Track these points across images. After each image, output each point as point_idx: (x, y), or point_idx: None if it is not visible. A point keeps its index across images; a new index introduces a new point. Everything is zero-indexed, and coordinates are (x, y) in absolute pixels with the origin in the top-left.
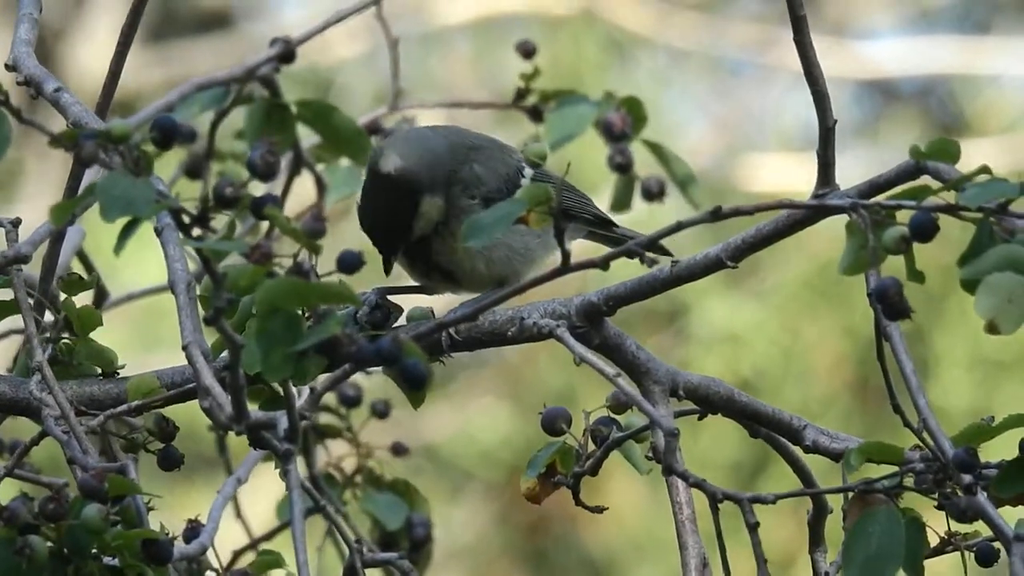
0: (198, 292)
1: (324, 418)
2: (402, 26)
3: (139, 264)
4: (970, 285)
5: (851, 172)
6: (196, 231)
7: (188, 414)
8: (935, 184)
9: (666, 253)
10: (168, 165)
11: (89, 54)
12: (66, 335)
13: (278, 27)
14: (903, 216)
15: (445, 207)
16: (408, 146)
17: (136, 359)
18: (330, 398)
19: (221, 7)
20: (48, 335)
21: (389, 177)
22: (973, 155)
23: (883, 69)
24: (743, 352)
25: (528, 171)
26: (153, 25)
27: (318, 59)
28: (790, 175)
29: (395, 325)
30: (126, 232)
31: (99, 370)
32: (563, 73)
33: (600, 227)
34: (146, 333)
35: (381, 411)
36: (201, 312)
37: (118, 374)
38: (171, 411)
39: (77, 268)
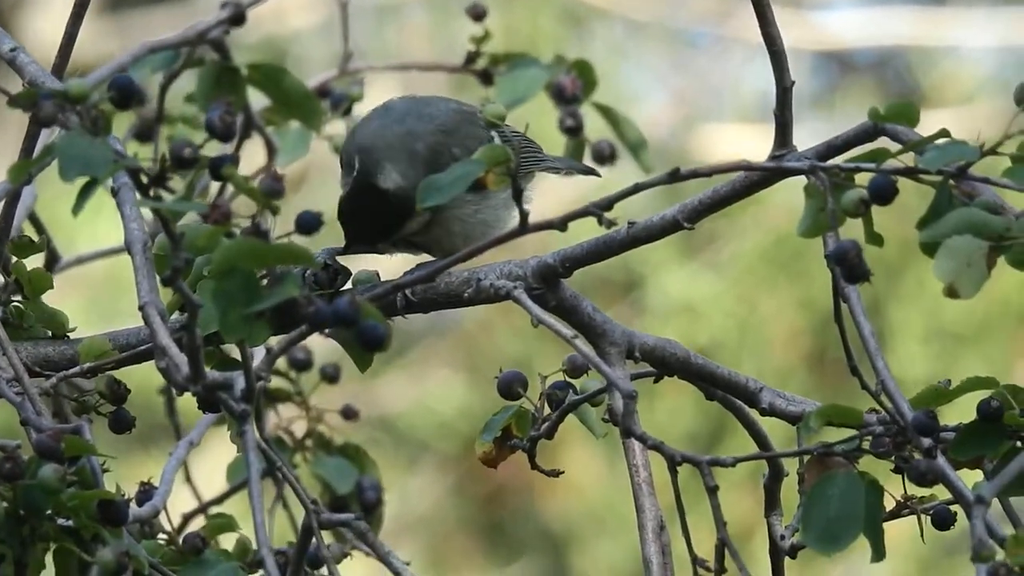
0: (154, 252)
1: (274, 382)
2: None
3: (91, 229)
4: (929, 248)
5: (808, 143)
6: (153, 191)
7: (142, 378)
8: (894, 147)
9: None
10: (117, 129)
11: (45, 23)
12: (17, 298)
13: None
14: (862, 179)
15: (425, 222)
16: (398, 153)
17: (94, 328)
18: (281, 362)
19: None
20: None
21: (386, 194)
22: (931, 126)
23: (840, 40)
24: (699, 323)
25: (496, 139)
26: None
27: (274, 29)
28: (748, 146)
29: (342, 288)
30: (84, 192)
31: (50, 333)
32: (519, 44)
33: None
34: (103, 303)
35: (331, 375)
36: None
37: (69, 337)
38: (125, 375)
39: (29, 231)
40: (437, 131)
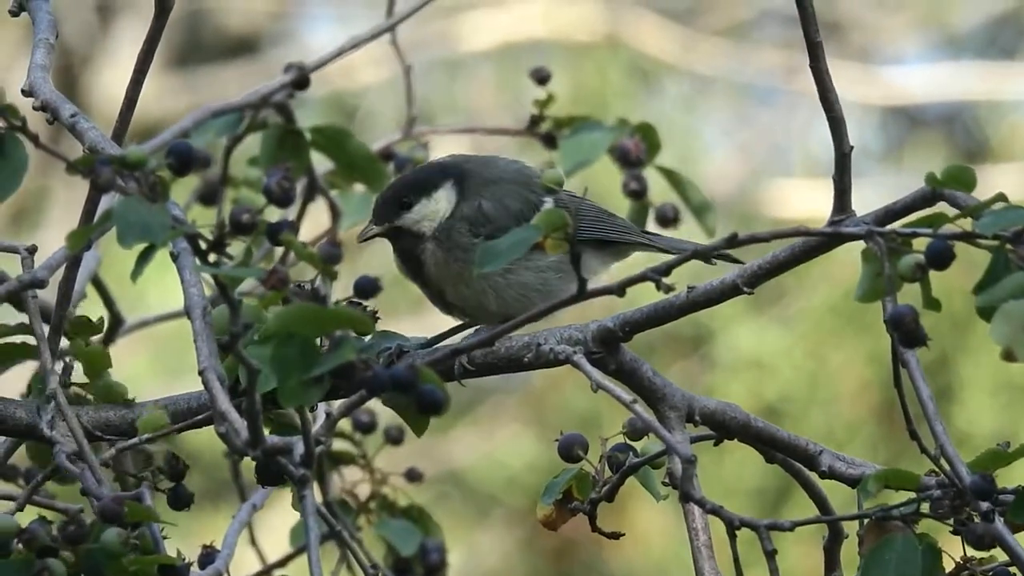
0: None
1: (338, 444)
2: (427, 53)
3: (160, 287)
4: (986, 313)
5: (875, 199)
6: (212, 257)
7: (210, 436)
8: (951, 211)
9: (736, 261)
10: (182, 192)
11: (114, 80)
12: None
13: (304, 53)
14: (920, 244)
15: (442, 252)
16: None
17: (161, 383)
18: (344, 424)
19: (247, 33)
20: (60, 370)
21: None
22: (998, 181)
23: (909, 95)
24: (768, 378)
25: (548, 203)
26: (179, 51)
27: (343, 85)
28: (815, 200)
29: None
30: (143, 258)
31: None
32: (588, 100)
33: (636, 245)
34: (169, 359)
35: (395, 437)
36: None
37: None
38: (193, 433)
39: (92, 294)
40: (483, 177)
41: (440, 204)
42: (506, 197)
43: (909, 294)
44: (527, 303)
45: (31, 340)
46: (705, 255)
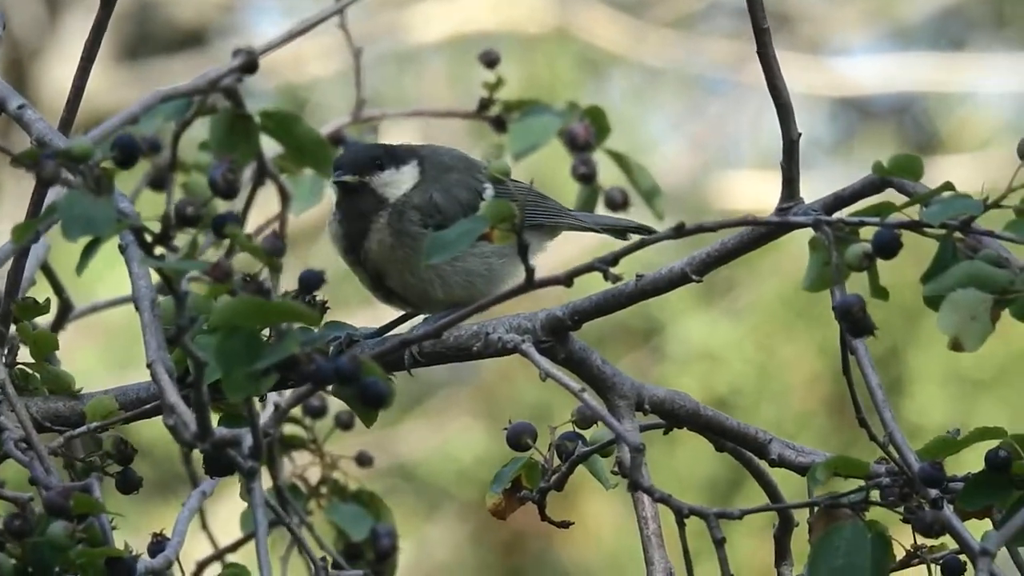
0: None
1: (289, 429)
2: (377, 45)
3: (112, 277)
4: (934, 302)
5: (825, 190)
6: (158, 249)
7: (160, 426)
8: (899, 200)
9: (648, 231)
10: (133, 176)
11: (63, 73)
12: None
13: (253, 44)
14: (868, 232)
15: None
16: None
17: (112, 375)
18: (295, 409)
19: (197, 25)
20: (4, 360)
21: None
22: (947, 172)
23: (858, 86)
24: (719, 370)
25: (489, 192)
26: (129, 43)
27: (292, 78)
28: (765, 191)
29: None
30: (88, 251)
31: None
32: (537, 91)
33: (565, 226)
34: (120, 349)
35: (346, 422)
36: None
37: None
38: (145, 423)
39: (42, 283)
40: (438, 163)
41: (406, 177)
42: (455, 187)
43: (858, 283)
44: (472, 289)
45: None
46: (621, 231)
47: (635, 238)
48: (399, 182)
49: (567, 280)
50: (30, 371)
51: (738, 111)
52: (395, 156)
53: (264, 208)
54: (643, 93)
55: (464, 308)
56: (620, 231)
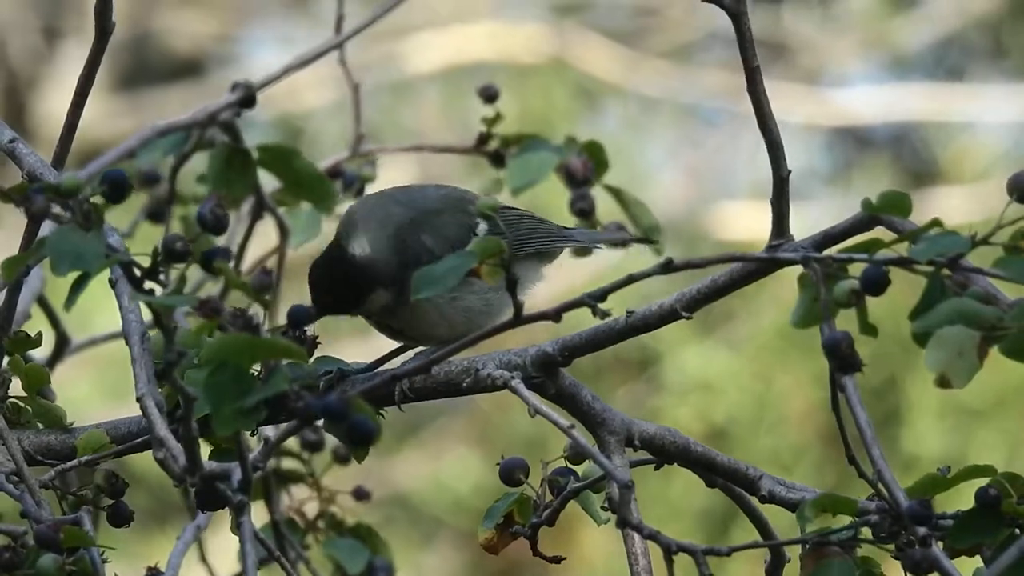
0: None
1: (287, 463)
2: (373, 75)
3: (107, 309)
4: (921, 338)
5: (823, 220)
6: (147, 284)
7: (152, 462)
8: (889, 237)
9: (651, 241)
10: (131, 209)
11: (60, 103)
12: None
13: (250, 74)
14: (856, 269)
15: (392, 297)
16: (377, 231)
17: (106, 406)
18: (292, 443)
19: (193, 55)
20: None
21: (353, 260)
22: (945, 203)
23: (856, 116)
24: (716, 401)
25: (482, 227)
26: (125, 73)
27: (288, 107)
28: (761, 222)
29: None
30: (77, 286)
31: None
32: (533, 121)
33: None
34: (116, 380)
35: (342, 456)
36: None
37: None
38: (137, 457)
39: (38, 316)
40: (412, 216)
41: (382, 295)
42: (444, 228)
43: (849, 319)
44: (472, 325)
45: None
46: (622, 244)
47: (624, 274)
48: (380, 299)
49: (556, 316)
50: (22, 404)
51: (735, 141)
52: (367, 288)
53: (264, 239)
54: (639, 123)
55: (451, 344)
56: (621, 245)
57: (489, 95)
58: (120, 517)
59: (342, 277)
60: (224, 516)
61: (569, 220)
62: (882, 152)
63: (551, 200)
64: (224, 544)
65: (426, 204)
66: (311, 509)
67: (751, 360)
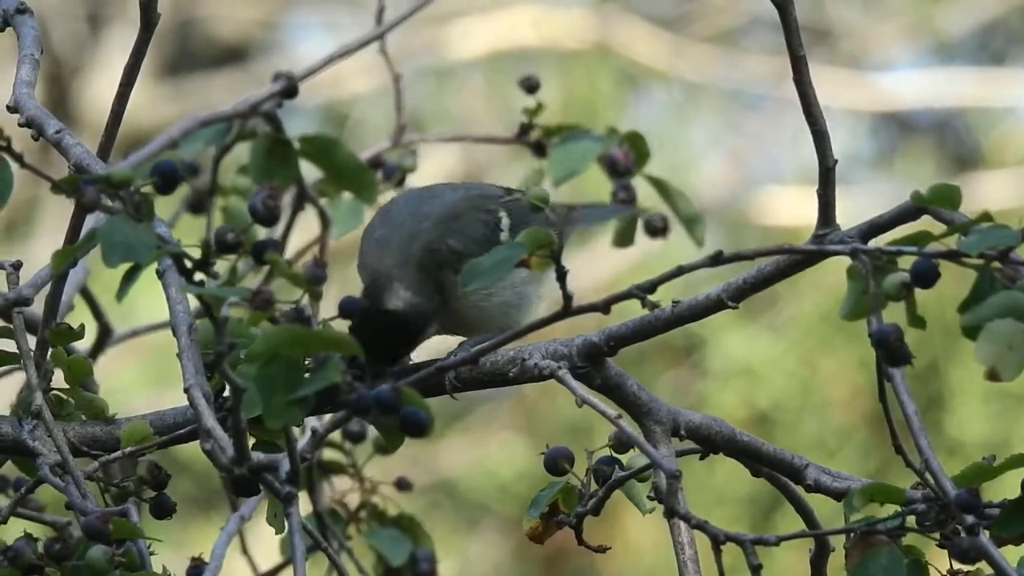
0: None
1: (328, 454)
2: (417, 61)
3: (151, 298)
4: (971, 332)
5: (867, 205)
6: (198, 276)
7: (198, 450)
8: (936, 227)
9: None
10: (171, 200)
11: (105, 90)
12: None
13: (293, 61)
14: (905, 261)
15: (439, 319)
16: (403, 265)
17: (152, 395)
18: (334, 433)
19: (238, 42)
20: (40, 384)
21: (397, 315)
22: (989, 188)
23: (900, 101)
24: (760, 386)
25: (505, 220)
26: (170, 60)
27: (334, 94)
28: (805, 207)
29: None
30: (128, 278)
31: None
32: (577, 107)
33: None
34: (161, 369)
35: (384, 447)
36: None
37: (115, 417)
38: (183, 444)
39: (81, 307)
40: (433, 227)
41: (432, 328)
42: (467, 228)
43: (896, 309)
44: (508, 319)
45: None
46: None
47: (673, 265)
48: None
49: (605, 308)
50: (64, 396)
51: (778, 127)
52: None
53: (305, 231)
54: (683, 109)
55: (498, 336)
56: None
57: (530, 86)
58: (163, 509)
59: (394, 338)
60: (263, 506)
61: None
62: (925, 137)
63: (593, 190)
64: (262, 534)
65: (443, 211)
66: (353, 500)
67: (795, 345)
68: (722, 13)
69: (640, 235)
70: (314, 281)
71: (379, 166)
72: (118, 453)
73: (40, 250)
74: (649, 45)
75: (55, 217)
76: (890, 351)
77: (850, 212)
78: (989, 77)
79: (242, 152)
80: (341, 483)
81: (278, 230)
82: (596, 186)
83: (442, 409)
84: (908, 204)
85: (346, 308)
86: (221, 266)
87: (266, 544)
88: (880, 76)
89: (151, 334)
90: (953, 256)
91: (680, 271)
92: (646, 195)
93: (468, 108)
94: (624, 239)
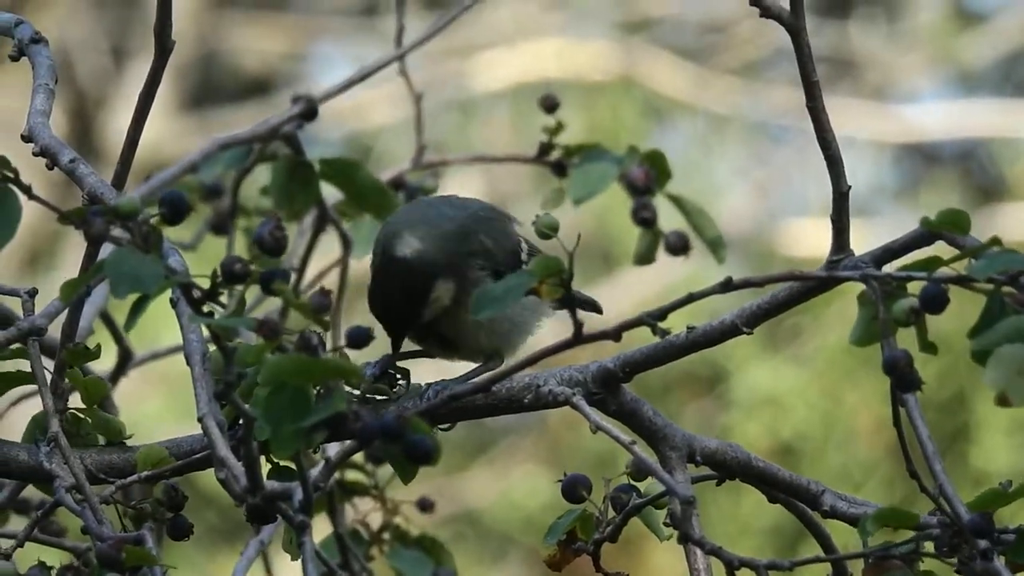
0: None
1: (351, 475)
2: (441, 93)
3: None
4: (981, 357)
5: (889, 236)
6: (207, 306)
7: (215, 480)
8: (949, 253)
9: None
10: (197, 220)
11: (128, 123)
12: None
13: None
14: (916, 286)
15: (455, 289)
16: (422, 227)
17: (172, 423)
18: (357, 455)
19: (262, 74)
20: (57, 405)
21: (404, 261)
22: (1013, 219)
23: (923, 132)
24: (784, 417)
25: (524, 246)
26: (193, 92)
27: (357, 126)
28: (829, 239)
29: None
30: (137, 308)
31: (101, 440)
32: (601, 139)
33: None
34: (183, 397)
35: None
36: None
37: (125, 444)
38: (206, 474)
39: (101, 331)
40: (470, 217)
41: (445, 288)
42: (498, 234)
43: (912, 335)
44: (509, 339)
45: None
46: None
47: (684, 293)
48: (440, 299)
49: (616, 335)
50: (81, 416)
51: (803, 158)
52: (425, 287)
53: (327, 251)
54: (707, 140)
55: (510, 363)
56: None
57: (549, 105)
58: (179, 530)
59: (399, 279)
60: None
61: (633, 229)
62: (949, 168)
63: (615, 209)
64: (287, 557)
65: (477, 209)
66: (375, 521)
67: (819, 376)
68: (746, 44)
69: (662, 256)
70: (320, 311)
71: (400, 187)
72: (135, 477)
73: (63, 281)
74: (673, 77)
75: (78, 248)
76: (900, 376)
77: (873, 243)
78: (1013, 108)
79: (266, 173)
80: (363, 504)
81: (298, 252)
82: (618, 205)
83: (466, 442)
84: (921, 230)
85: (354, 337)
86: (234, 295)
87: (292, 568)
88: (904, 107)
89: (174, 365)
90: (962, 281)
91: (691, 298)
92: (668, 215)
93: (492, 140)
94: (645, 257)
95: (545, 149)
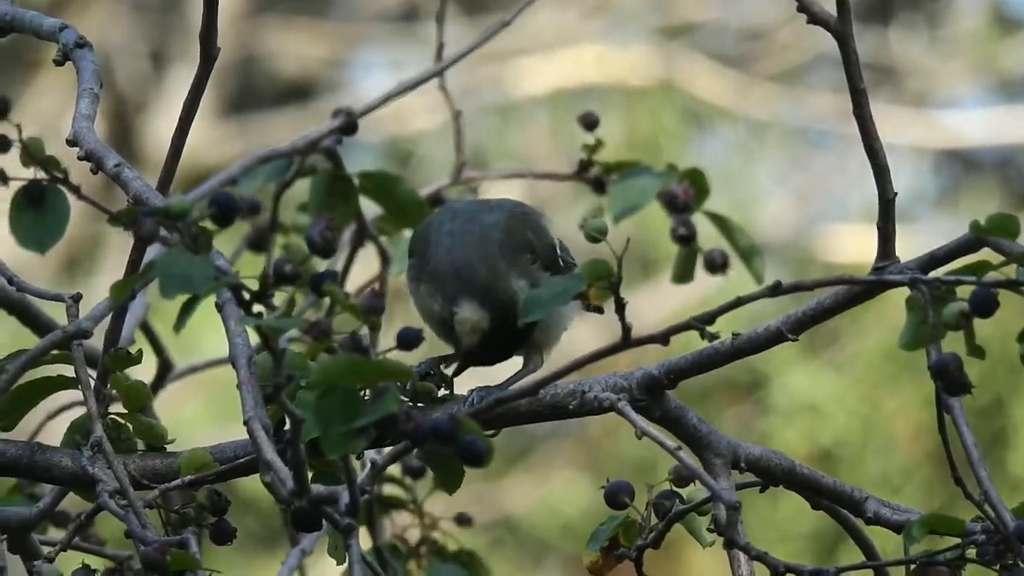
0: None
1: (389, 489)
2: (480, 98)
3: (213, 333)
4: None
5: (930, 243)
6: (256, 307)
7: (262, 487)
8: (996, 259)
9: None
10: (233, 236)
11: (168, 127)
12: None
13: (358, 99)
14: (964, 291)
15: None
16: (500, 266)
17: (215, 429)
18: (394, 468)
19: (302, 79)
20: (100, 409)
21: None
22: None
23: (964, 139)
24: (823, 423)
25: (556, 241)
26: (233, 98)
27: (396, 131)
28: (870, 244)
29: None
30: (186, 309)
31: (140, 445)
32: (641, 145)
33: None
34: (225, 404)
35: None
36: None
37: (166, 449)
38: (248, 481)
39: (141, 342)
40: (509, 216)
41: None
42: (541, 232)
43: (954, 340)
44: (559, 335)
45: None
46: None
47: (730, 298)
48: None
49: (664, 339)
50: (122, 421)
51: (843, 164)
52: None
53: (365, 266)
54: (748, 146)
55: (556, 368)
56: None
57: (589, 122)
58: (222, 534)
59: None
60: (324, 541)
61: (671, 247)
62: (989, 175)
63: (654, 213)
64: (325, 569)
65: (512, 208)
66: (414, 535)
67: (858, 382)
68: (787, 50)
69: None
70: (372, 312)
71: (439, 203)
72: (178, 481)
73: (102, 287)
74: (713, 83)
75: (117, 253)
76: (950, 380)
77: (914, 250)
78: None
79: (303, 189)
80: (401, 519)
81: (338, 265)
82: (657, 222)
83: (506, 448)
84: (968, 236)
85: (404, 338)
86: (280, 298)
87: None
88: (944, 114)
89: (214, 369)
90: (1011, 285)
91: (739, 302)
92: (707, 232)
93: (531, 145)
94: (684, 275)
95: (584, 166)
